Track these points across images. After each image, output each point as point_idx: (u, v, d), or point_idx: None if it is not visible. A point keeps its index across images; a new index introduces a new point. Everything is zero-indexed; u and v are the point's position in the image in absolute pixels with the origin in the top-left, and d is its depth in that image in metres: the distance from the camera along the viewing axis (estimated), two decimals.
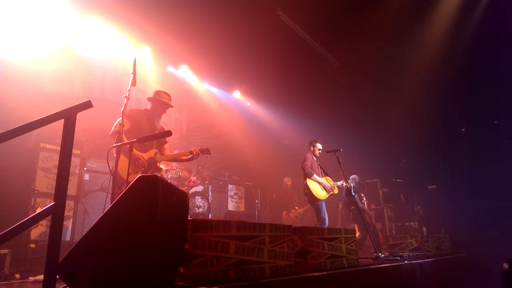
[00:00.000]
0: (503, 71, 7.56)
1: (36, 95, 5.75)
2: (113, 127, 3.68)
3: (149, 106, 4.02)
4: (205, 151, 4.02)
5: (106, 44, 6.82)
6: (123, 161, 3.20)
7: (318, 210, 5.50)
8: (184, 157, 3.88)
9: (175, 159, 3.96)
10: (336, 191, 5.71)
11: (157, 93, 4.03)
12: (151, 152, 3.75)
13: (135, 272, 1.58)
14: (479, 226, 6.72)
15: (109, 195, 3.04)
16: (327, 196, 5.51)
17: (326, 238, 3.22)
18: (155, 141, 3.85)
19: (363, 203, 7.15)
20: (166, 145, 4.07)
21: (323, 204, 5.54)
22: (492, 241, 6.00)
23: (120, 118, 3.64)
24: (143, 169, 3.62)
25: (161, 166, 4.37)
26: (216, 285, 2.04)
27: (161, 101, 3.96)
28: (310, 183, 5.50)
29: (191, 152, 3.85)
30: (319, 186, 5.51)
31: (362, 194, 7.40)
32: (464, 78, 8.05)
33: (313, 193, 5.41)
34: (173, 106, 4.13)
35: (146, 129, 3.80)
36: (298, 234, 3.00)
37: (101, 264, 1.66)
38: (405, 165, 9.31)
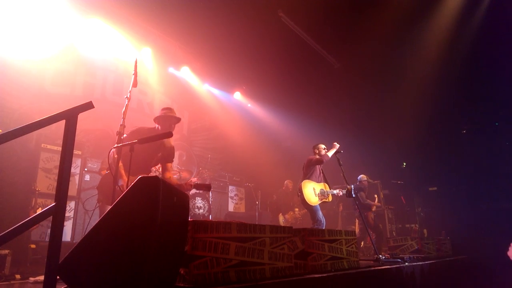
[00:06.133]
0: (503, 73, 7.56)
1: (37, 95, 5.76)
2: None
3: (157, 126, 3.73)
4: (203, 187, 3.56)
5: (108, 45, 6.84)
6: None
7: (313, 212, 5.48)
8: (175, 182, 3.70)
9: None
10: (330, 199, 5.69)
11: (163, 111, 3.78)
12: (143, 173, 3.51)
13: (135, 273, 1.58)
14: (480, 228, 6.72)
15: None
16: (318, 202, 5.49)
17: (326, 239, 3.21)
18: (154, 160, 3.66)
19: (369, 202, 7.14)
20: (170, 165, 3.76)
21: (318, 206, 5.52)
22: (492, 243, 5.99)
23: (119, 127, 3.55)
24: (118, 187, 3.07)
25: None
26: (216, 286, 2.04)
27: (171, 117, 3.68)
28: (304, 186, 5.49)
29: (180, 186, 3.54)
30: (312, 191, 5.49)
31: (375, 195, 7.47)
32: (465, 80, 8.06)
33: (305, 197, 5.40)
34: (180, 118, 3.82)
35: (150, 147, 3.52)
36: (298, 235, 3.00)
37: (101, 265, 1.66)
38: (406, 167, 9.31)
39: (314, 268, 2.96)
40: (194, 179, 6.96)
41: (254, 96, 9.84)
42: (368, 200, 7.02)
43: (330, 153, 5.59)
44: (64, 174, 1.73)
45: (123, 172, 3.28)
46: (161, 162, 3.76)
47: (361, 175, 7.30)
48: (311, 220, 5.57)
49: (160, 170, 5.85)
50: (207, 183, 3.65)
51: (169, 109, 3.85)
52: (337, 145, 5.64)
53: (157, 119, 3.75)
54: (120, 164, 3.14)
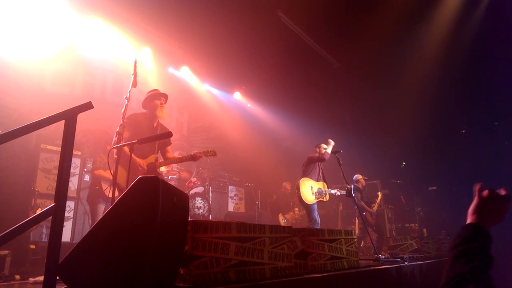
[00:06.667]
0: (503, 72, 7.56)
1: (37, 96, 5.76)
2: (114, 138, 3.67)
3: (146, 111, 3.97)
4: (210, 153, 3.96)
5: (107, 45, 6.83)
6: (122, 167, 3.17)
7: (309, 210, 5.50)
8: (184, 160, 3.86)
9: (174, 161, 3.91)
10: (327, 198, 5.70)
11: (147, 93, 4.00)
12: (151, 158, 3.67)
13: (135, 273, 1.58)
14: None
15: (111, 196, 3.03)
16: (315, 201, 5.51)
17: (326, 239, 3.21)
18: (156, 144, 3.78)
19: (367, 200, 7.10)
20: (169, 147, 3.96)
21: (315, 205, 5.54)
22: (492, 243, 5.98)
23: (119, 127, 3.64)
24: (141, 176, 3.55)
25: (162, 168, 4.35)
26: (216, 286, 2.04)
27: (151, 95, 3.89)
28: (302, 184, 5.50)
29: (192, 156, 3.77)
30: (309, 190, 5.50)
31: (378, 193, 7.42)
32: (464, 79, 8.06)
33: (302, 195, 5.42)
34: (165, 94, 4.00)
35: (146, 132, 3.76)
36: (298, 235, 2.99)
37: (101, 265, 1.66)
38: (406, 167, 9.31)
39: (314, 267, 2.95)
40: (193, 180, 6.96)
41: (253, 96, 9.84)
42: (362, 202, 6.95)
43: (329, 150, 5.65)
44: (64, 174, 1.73)
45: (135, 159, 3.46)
46: (161, 147, 3.88)
47: (356, 175, 7.26)
48: (307, 219, 5.60)
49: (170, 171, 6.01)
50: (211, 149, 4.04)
51: (152, 90, 4.00)
52: (332, 142, 5.72)
53: (143, 104, 3.93)
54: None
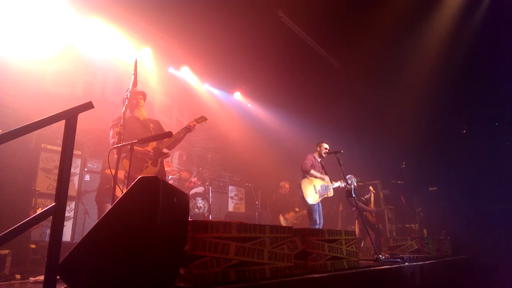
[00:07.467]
0: (504, 72, 7.55)
1: (37, 95, 5.76)
2: (111, 139, 3.71)
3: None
4: (201, 119, 4.13)
5: (107, 45, 6.83)
6: (127, 163, 3.25)
7: (309, 211, 5.52)
8: (183, 135, 3.97)
9: (175, 140, 3.95)
10: (330, 193, 5.70)
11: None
12: (152, 143, 3.85)
13: (135, 273, 1.58)
14: (480, 228, 6.71)
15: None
16: (319, 199, 5.51)
17: (326, 239, 3.21)
18: (152, 132, 3.94)
19: (365, 200, 7.11)
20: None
21: (316, 206, 5.53)
22: (492, 243, 5.99)
23: (112, 131, 3.70)
24: (151, 161, 3.71)
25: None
26: (216, 286, 2.04)
27: (128, 97, 3.87)
28: (304, 185, 5.50)
29: (187, 128, 3.94)
30: (312, 189, 5.50)
31: (370, 187, 7.42)
32: (465, 80, 8.05)
33: (305, 195, 5.43)
34: (140, 91, 4.10)
35: (138, 128, 3.87)
36: (298, 235, 3.00)
37: (101, 265, 1.66)
38: (406, 167, 9.31)
39: (314, 268, 2.96)
40: (193, 180, 6.96)
41: (254, 96, 9.84)
42: (360, 203, 6.96)
43: (316, 174, 5.61)
44: (64, 174, 1.73)
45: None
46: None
47: (349, 175, 7.26)
48: (308, 219, 5.62)
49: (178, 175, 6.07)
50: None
51: (126, 90, 3.95)
52: (327, 180, 5.67)
53: (128, 106, 3.91)
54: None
